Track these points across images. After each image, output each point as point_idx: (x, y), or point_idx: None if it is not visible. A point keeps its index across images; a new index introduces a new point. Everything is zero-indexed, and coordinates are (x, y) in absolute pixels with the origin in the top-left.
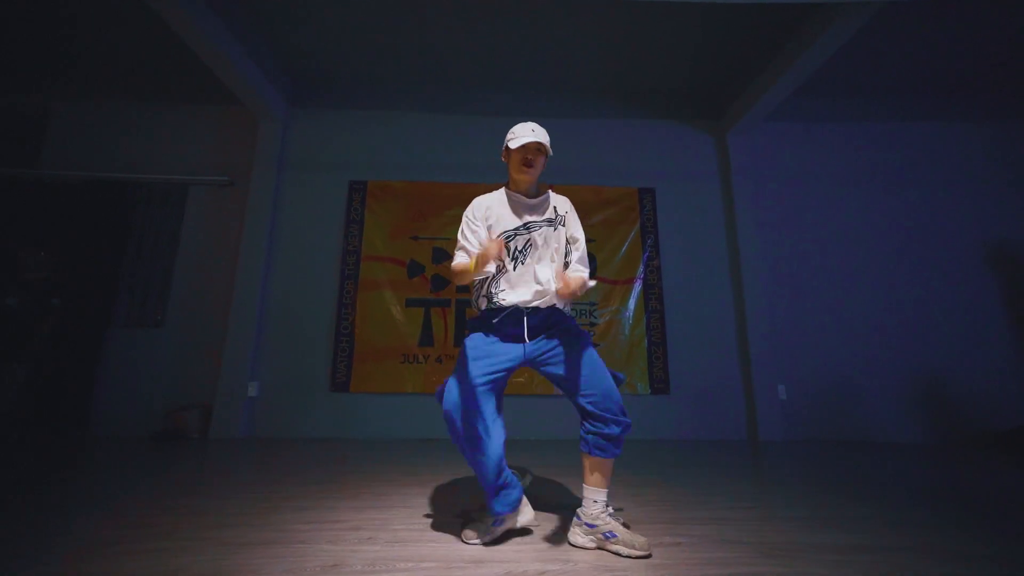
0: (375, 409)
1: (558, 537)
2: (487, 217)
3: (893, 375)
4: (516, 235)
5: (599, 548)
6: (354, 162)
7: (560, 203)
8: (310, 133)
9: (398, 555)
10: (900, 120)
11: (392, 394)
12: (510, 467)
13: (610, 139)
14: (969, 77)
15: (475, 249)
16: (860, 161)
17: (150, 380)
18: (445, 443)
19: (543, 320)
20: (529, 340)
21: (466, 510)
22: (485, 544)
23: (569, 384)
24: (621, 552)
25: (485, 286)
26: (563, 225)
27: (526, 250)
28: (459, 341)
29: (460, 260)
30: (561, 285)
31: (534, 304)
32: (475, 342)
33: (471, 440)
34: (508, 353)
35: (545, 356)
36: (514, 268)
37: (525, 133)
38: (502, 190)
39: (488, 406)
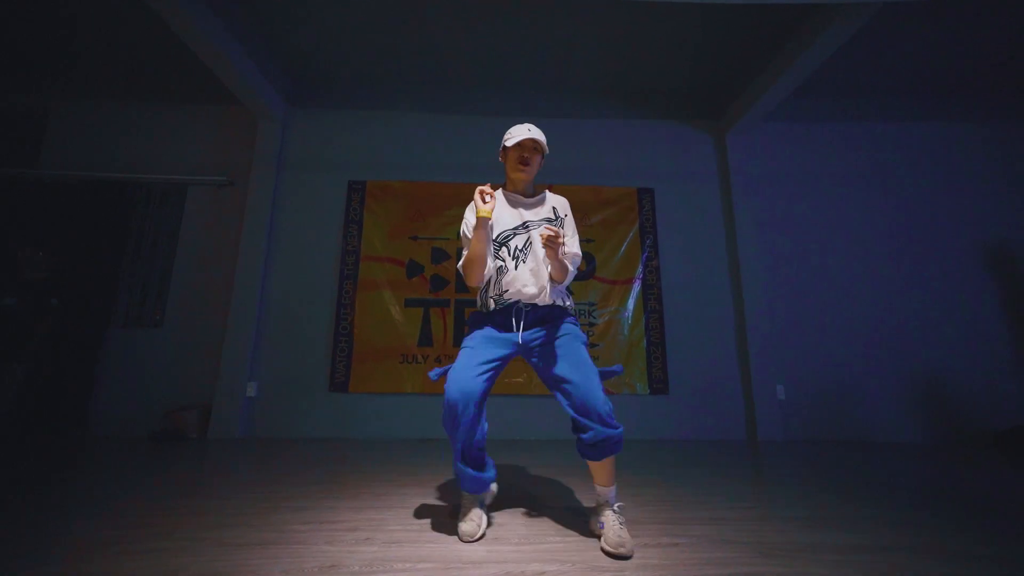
0: (374, 409)
1: (557, 538)
2: None
3: (892, 375)
4: (515, 234)
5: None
6: (353, 162)
7: (559, 204)
8: (309, 133)
9: (396, 556)
10: (899, 120)
11: (391, 394)
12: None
13: (609, 139)
14: (969, 77)
15: None
16: (859, 161)
17: (149, 380)
18: (444, 443)
19: (541, 317)
20: (523, 334)
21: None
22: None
23: (551, 381)
24: (603, 548)
25: (490, 288)
26: (562, 227)
27: (525, 249)
28: (458, 341)
29: (465, 253)
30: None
31: (534, 301)
32: (475, 335)
33: (470, 426)
34: (504, 342)
35: (533, 347)
36: (515, 267)
37: (521, 132)
38: (499, 191)
39: (485, 394)
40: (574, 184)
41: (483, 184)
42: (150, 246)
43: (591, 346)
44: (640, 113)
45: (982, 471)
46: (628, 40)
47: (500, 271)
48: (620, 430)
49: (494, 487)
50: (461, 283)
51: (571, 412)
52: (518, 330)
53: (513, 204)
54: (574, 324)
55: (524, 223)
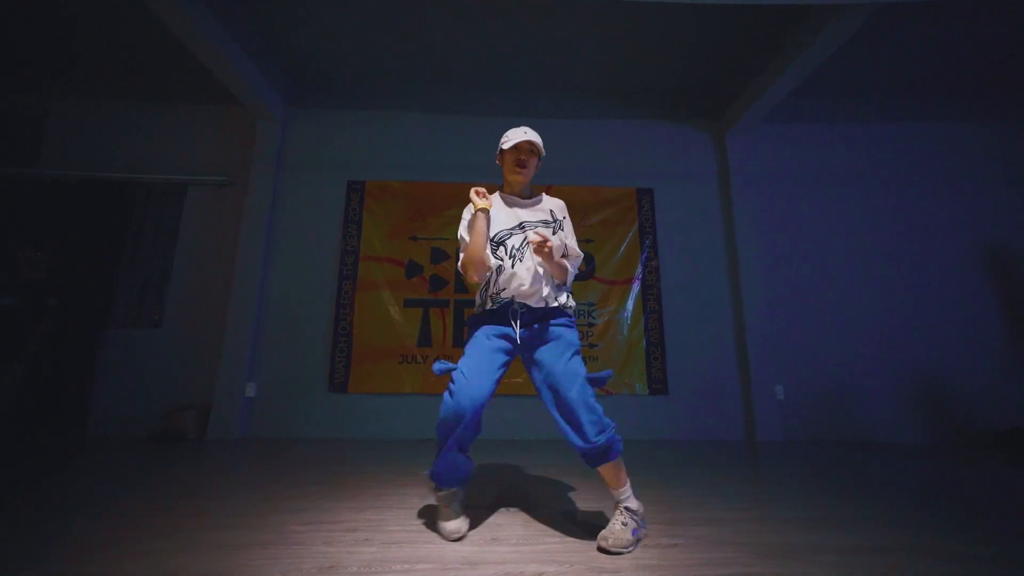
0: (373, 409)
1: (556, 538)
2: None
3: (891, 375)
4: (512, 233)
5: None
6: (352, 162)
7: (556, 206)
8: (309, 133)
9: (394, 556)
10: (899, 120)
11: (390, 394)
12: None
13: (608, 139)
14: (968, 76)
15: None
16: (859, 161)
17: (148, 380)
18: None
19: (538, 317)
20: (521, 332)
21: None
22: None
23: (540, 387)
24: (601, 534)
25: (488, 287)
26: (561, 229)
27: (522, 248)
28: (458, 341)
29: (464, 250)
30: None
31: (531, 302)
32: (477, 339)
33: (471, 432)
34: (504, 346)
35: (529, 348)
36: (512, 266)
37: (517, 135)
38: (496, 193)
39: (490, 399)
40: (573, 184)
41: (479, 186)
42: (149, 246)
43: (590, 346)
44: (639, 113)
45: (982, 471)
46: (627, 40)
47: (498, 270)
48: (599, 444)
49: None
50: (460, 283)
51: (558, 420)
52: (518, 331)
53: (510, 205)
54: (570, 326)
55: (521, 223)
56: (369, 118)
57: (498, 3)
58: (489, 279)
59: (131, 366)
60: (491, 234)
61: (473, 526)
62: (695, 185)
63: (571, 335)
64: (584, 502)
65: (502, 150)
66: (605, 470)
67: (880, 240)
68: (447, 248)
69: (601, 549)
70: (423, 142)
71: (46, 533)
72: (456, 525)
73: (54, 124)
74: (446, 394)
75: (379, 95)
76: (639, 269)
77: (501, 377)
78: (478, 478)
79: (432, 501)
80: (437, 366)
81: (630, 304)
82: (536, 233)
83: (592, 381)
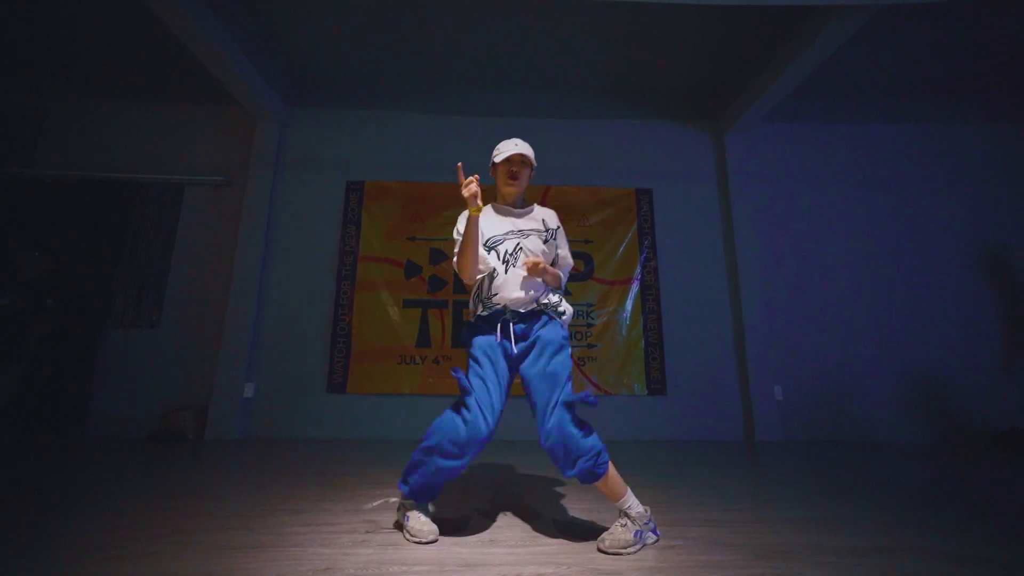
0: (372, 410)
1: (554, 540)
2: None
3: (890, 375)
4: (505, 239)
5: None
6: (351, 162)
7: (548, 216)
8: (307, 133)
9: (391, 558)
10: (898, 121)
11: (389, 395)
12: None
13: (608, 139)
14: (968, 78)
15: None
16: (858, 162)
17: (146, 381)
18: None
19: (528, 320)
20: (515, 346)
21: (465, 515)
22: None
23: (528, 399)
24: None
25: (481, 291)
26: (554, 239)
27: (516, 253)
28: (457, 342)
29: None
30: (531, 265)
31: (523, 308)
32: (481, 362)
33: (471, 456)
34: (505, 363)
35: (523, 359)
36: (505, 271)
37: (509, 147)
38: (489, 204)
39: None
40: (572, 184)
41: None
42: (146, 246)
43: (589, 346)
44: (638, 113)
45: (982, 471)
46: (627, 40)
47: (490, 275)
48: (578, 471)
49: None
50: (459, 284)
51: (545, 449)
52: (512, 343)
53: (504, 215)
54: (560, 331)
55: (512, 231)
56: (368, 118)
57: (498, 3)
58: (481, 283)
59: (129, 366)
60: (484, 239)
61: (471, 527)
62: (694, 185)
63: (561, 340)
64: (583, 503)
65: (494, 163)
66: (599, 486)
67: (879, 240)
68: (446, 248)
69: (599, 550)
70: (422, 142)
71: (45, 535)
72: (431, 527)
73: (53, 124)
74: (459, 419)
75: (378, 95)
76: (638, 269)
77: (506, 395)
78: (476, 478)
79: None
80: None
81: (629, 304)
82: (525, 260)
83: (575, 405)
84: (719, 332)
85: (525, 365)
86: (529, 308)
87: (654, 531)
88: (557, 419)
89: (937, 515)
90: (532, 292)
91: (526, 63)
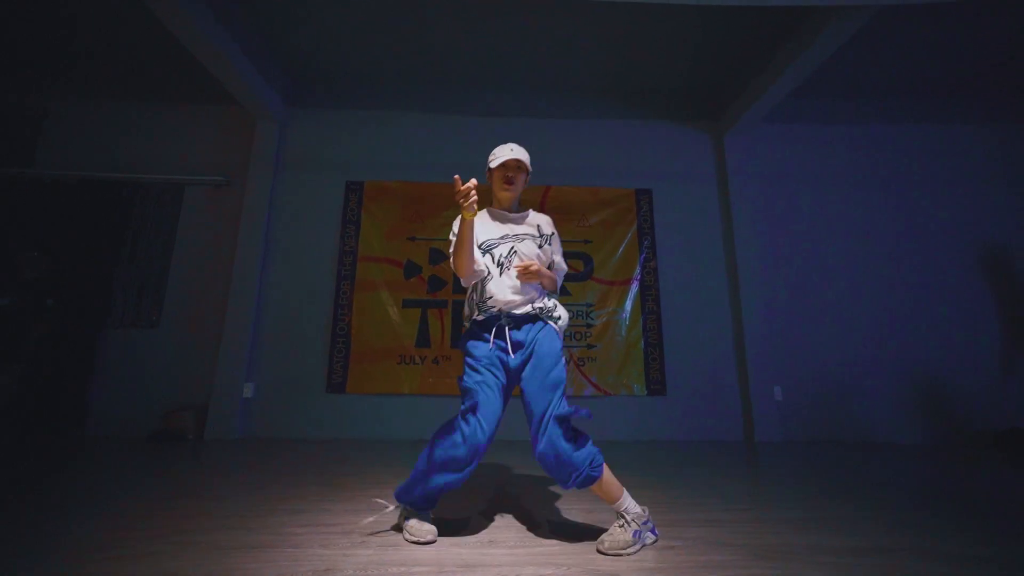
0: (371, 410)
1: (553, 540)
2: None
3: (890, 376)
4: (499, 243)
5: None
6: (351, 162)
7: (543, 221)
8: (307, 133)
9: (390, 559)
10: (898, 122)
11: (388, 395)
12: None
13: (607, 140)
14: (968, 78)
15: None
16: (857, 162)
17: (146, 381)
18: None
19: (528, 332)
20: (513, 353)
21: (464, 516)
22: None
23: (527, 418)
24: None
25: (475, 295)
26: (549, 244)
27: (510, 257)
28: (456, 342)
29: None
30: (522, 270)
31: (519, 310)
32: (481, 371)
33: (472, 467)
34: (504, 375)
35: (519, 376)
36: (500, 275)
37: (504, 152)
38: (485, 209)
39: None
40: (572, 184)
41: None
42: (146, 246)
43: (589, 347)
44: (638, 113)
45: (981, 471)
46: (627, 41)
47: (485, 279)
48: (572, 484)
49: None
50: (459, 284)
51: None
52: (504, 344)
53: (498, 219)
54: (556, 340)
55: (506, 235)
56: (368, 118)
57: (498, 3)
58: (475, 287)
59: (129, 366)
60: (479, 242)
61: (470, 528)
62: (694, 186)
63: (556, 349)
64: (582, 503)
65: (490, 168)
66: (594, 490)
67: (879, 241)
68: (445, 249)
69: (599, 552)
70: (422, 142)
71: (44, 535)
72: (429, 527)
73: (53, 124)
74: (457, 435)
75: (378, 95)
76: (637, 270)
77: (505, 402)
78: (476, 479)
79: None
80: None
81: (628, 305)
82: (518, 264)
83: (568, 419)
84: (719, 332)
85: (523, 375)
86: (524, 311)
87: (653, 531)
88: (549, 436)
89: (937, 515)
90: (526, 295)
91: (526, 63)
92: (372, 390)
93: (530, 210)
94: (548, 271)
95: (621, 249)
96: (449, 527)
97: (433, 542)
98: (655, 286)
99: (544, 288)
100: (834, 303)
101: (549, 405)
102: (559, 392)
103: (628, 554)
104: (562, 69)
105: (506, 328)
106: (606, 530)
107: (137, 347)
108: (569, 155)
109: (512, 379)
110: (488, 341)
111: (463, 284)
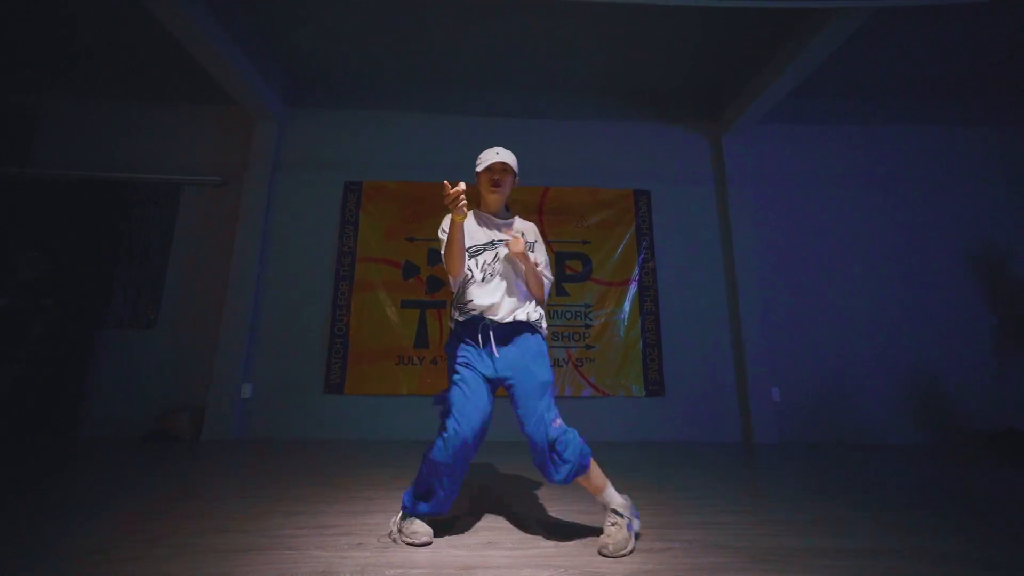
0: (369, 411)
1: (551, 542)
2: None
3: (888, 377)
4: (484, 249)
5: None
6: (349, 162)
7: (528, 228)
8: (306, 133)
9: (388, 561)
10: (897, 122)
11: (387, 396)
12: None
13: (606, 140)
14: (968, 78)
15: None
16: (856, 163)
17: (143, 381)
18: None
19: (507, 335)
20: (497, 355)
21: (462, 518)
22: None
23: (515, 412)
24: (599, 540)
25: (459, 298)
26: (532, 251)
27: (494, 264)
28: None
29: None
30: (513, 243)
31: (501, 317)
32: (462, 371)
33: (470, 457)
34: (486, 375)
35: (506, 378)
36: (481, 280)
37: (490, 156)
38: (473, 211)
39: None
40: (571, 185)
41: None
42: (143, 246)
43: (587, 347)
44: (637, 114)
45: (979, 473)
46: (626, 41)
47: (468, 281)
48: (561, 477)
49: None
50: None
51: (530, 444)
52: (493, 350)
53: (486, 224)
54: (542, 343)
55: (493, 241)
56: (367, 118)
57: (498, 3)
58: (459, 289)
59: (126, 366)
60: (466, 245)
61: (469, 530)
62: (692, 187)
63: (542, 355)
64: (580, 505)
65: (477, 172)
66: (582, 482)
67: (877, 242)
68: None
69: (603, 555)
70: (421, 143)
71: (40, 538)
72: (428, 528)
73: (51, 124)
74: (439, 441)
75: (377, 95)
76: (636, 270)
77: (490, 403)
78: (474, 480)
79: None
80: (437, 400)
81: (627, 305)
82: (508, 243)
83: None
84: (717, 333)
85: (512, 379)
86: (508, 320)
87: (636, 515)
88: (544, 434)
89: (934, 516)
90: (508, 301)
91: (526, 63)
92: (370, 391)
93: (516, 217)
94: (533, 265)
95: (620, 250)
96: (447, 529)
97: (429, 543)
98: (653, 287)
99: (530, 292)
100: (832, 304)
101: (541, 404)
102: (549, 392)
103: (629, 551)
104: (562, 69)
105: (490, 329)
106: (602, 531)
107: (134, 347)
108: (568, 156)
109: (496, 376)
110: (468, 342)
111: (451, 286)
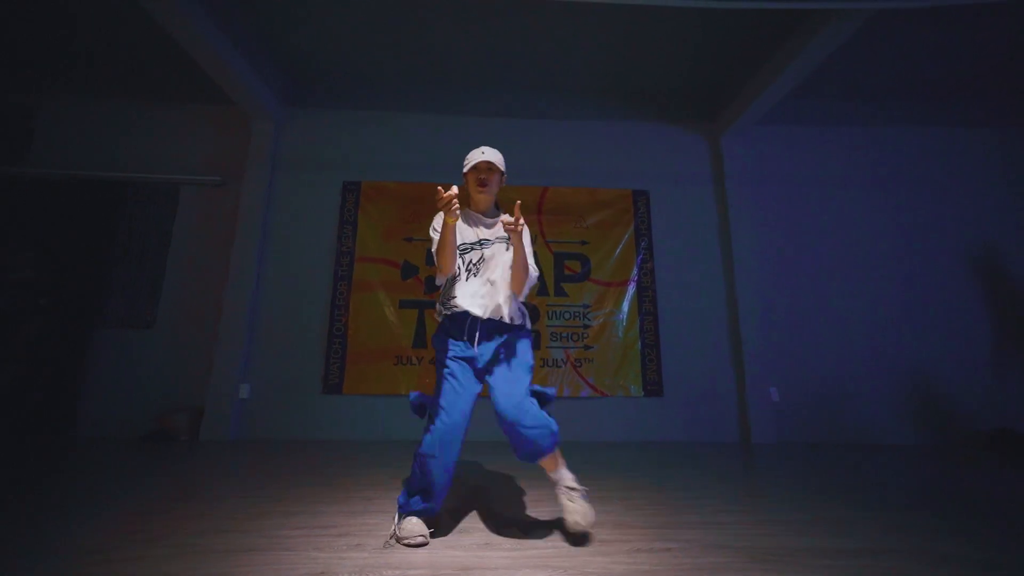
0: (368, 411)
1: (548, 543)
2: None
3: (886, 377)
4: (471, 248)
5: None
6: (348, 162)
7: None
8: (304, 133)
9: (386, 562)
10: (896, 124)
11: (385, 396)
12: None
13: (605, 141)
14: (969, 80)
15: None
16: (854, 164)
17: (141, 381)
18: None
19: (493, 331)
20: (477, 347)
21: (459, 519)
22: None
23: (492, 399)
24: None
25: (444, 294)
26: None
27: (479, 264)
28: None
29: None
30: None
31: (486, 316)
32: (448, 364)
33: (458, 447)
34: (472, 369)
35: (486, 364)
36: (467, 279)
37: (476, 156)
38: (463, 209)
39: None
40: (570, 185)
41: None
42: (141, 246)
43: (586, 348)
44: (636, 115)
45: (977, 473)
46: (626, 41)
47: (453, 280)
48: (546, 449)
49: None
50: None
51: (502, 427)
52: (474, 344)
53: (473, 222)
54: (526, 341)
55: (480, 240)
56: (366, 118)
57: (498, 3)
58: (445, 286)
59: (125, 366)
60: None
61: (466, 531)
62: (691, 187)
63: (525, 350)
64: None
65: (464, 172)
66: (546, 461)
67: (875, 243)
68: None
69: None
70: (420, 143)
71: (37, 539)
72: (424, 528)
73: (49, 123)
74: (428, 436)
75: (376, 95)
76: (635, 271)
77: (477, 392)
78: (471, 481)
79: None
80: (413, 396)
81: (625, 306)
82: (506, 220)
83: (537, 395)
84: (715, 334)
85: (493, 368)
86: (494, 317)
87: (583, 489)
88: (525, 409)
89: (933, 517)
90: (492, 299)
91: (525, 63)
92: (369, 391)
93: (501, 213)
94: (523, 252)
95: (618, 250)
96: (445, 530)
97: (425, 544)
98: (652, 287)
99: (514, 282)
100: (832, 305)
101: (521, 379)
102: (530, 374)
103: (594, 518)
104: (561, 69)
105: (477, 325)
106: (601, 538)
107: (133, 347)
108: (567, 156)
109: (481, 369)
110: (454, 336)
111: (437, 281)
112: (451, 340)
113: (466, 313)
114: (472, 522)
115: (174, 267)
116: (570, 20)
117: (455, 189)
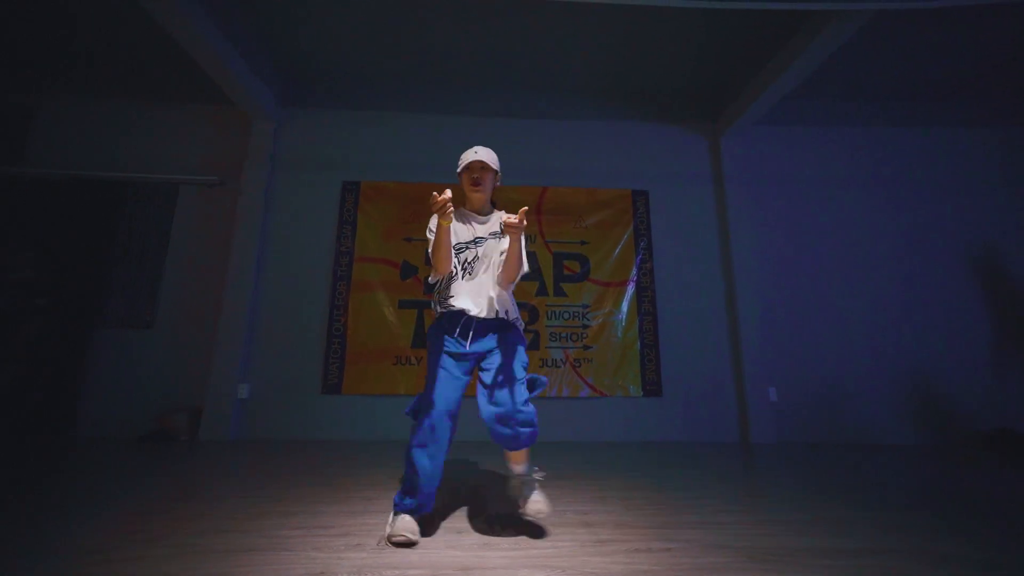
0: (367, 411)
1: (547, 543)
2: None
3: (886, 377)
4: (467, 247)
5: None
6: (347, 162)
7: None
8: (303, 133)
9: (385, 562)
10: (896, 124)
11: (385, 396)
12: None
13: (605, 141)
14: (970, 80)
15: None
16: (854, 165)
17: (140, 381)
18: None
19: (487, 328)
20: (472, 345)
21: (459, 519)
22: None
23: (484, 389)
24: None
25: (439, 289)
26: (506, 237)
27: (474, 263)
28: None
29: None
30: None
31: (481, 315)
32: (442, 357)
33: (450, 439)
34: (464, 363)
35: (481, 363)
36: (462, 278)
37: (469, 156)
38: (458, 209)
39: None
40: (569, 185)
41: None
42: (140, 246)
43: (585, 348)
44: (636, 115)
45: (977, 473)
46: (625, 42)
47: (450, 277)
48: (527, 441)
49: None
50: None
51: (488, 419)
52: (468, 342)
53: (468, 221)
54: (518, 338)
55: (475, 239)
56: (365, 118)
57: (497, 3)
58: (440, 283)
59: (124, 366)
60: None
61: (465, 531)
62: (690, 187)
63: (519, 347)
64: (578, 506)
65: (458, 172)
66: (519, 453)
67: (875, 243)
68: None
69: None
70: (419, 143)
71: (36, 540)
72: (415, 527)
73: (48, 123)
74: (420, 430)
75: (376, 95)
76: (634, 271)
77: (466, 384)
78: (470, 482)
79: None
80: (412, 410)
81: (625, 306)
82: (505, 217)
83: (529, 383)
84: (715, 334)
85: (486, 363)
86: (488, 315)
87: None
88: (517, 397)
89: (932, 517)
90: (487, 297)
91: (525, 63)
92: (368, 391)
93: (495, 211)
94: (521, 246)
95: (617, 250)
96: (444, 530)
97: (415, 543)
98: (651, 287)
99: (505, 273)
100: (831, 305)
101: (515, 376)
102: (524, 371)
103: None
104: (561, 69)
105: (471, 324)
106: (601, 538)
107: (132, 347)
108: (566, 156)
109: (475, 366)
110: (449, 332)
111: (431, 280)
112: (446, 336)
113: (462, 311)
114: (472, 522)
115: (173, 267)
116: (570, 20)
117: (448, 193)
